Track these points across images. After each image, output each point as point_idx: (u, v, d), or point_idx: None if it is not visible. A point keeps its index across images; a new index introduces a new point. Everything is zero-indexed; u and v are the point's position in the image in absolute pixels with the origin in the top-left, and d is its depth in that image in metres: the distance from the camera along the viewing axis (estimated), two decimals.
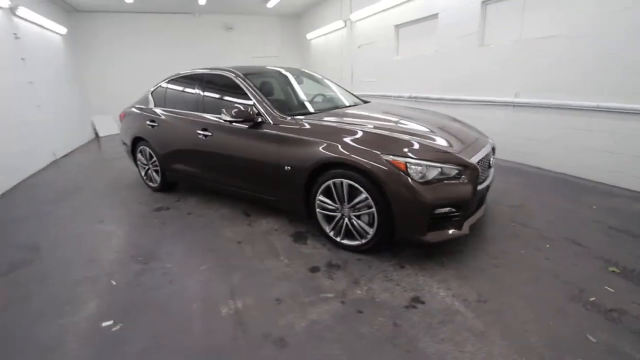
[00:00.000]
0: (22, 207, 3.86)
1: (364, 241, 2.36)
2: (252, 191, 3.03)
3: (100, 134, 9.12)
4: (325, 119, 2.70)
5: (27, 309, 2.03)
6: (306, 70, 4.05)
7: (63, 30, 7.60)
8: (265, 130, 2.73)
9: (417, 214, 2.09)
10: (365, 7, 7.17)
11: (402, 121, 2.72)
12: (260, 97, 2.87)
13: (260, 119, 2.76)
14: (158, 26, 9.60)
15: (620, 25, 3.27)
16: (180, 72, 3.74)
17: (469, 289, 1.99)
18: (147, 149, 3.90)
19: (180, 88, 3.67)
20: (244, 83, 3.01)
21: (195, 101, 3.39)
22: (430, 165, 2.09)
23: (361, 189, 2.23)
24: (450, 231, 2.16)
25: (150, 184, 4.12)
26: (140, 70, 9.38)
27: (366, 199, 2.22)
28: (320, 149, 2.37)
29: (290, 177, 2.59)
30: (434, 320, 1.74)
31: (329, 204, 2.46)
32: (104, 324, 1.84)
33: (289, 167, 2.58)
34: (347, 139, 2.32)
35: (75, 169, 5.68)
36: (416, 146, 2.19)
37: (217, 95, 3.29)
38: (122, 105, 4.90)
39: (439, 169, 2.11)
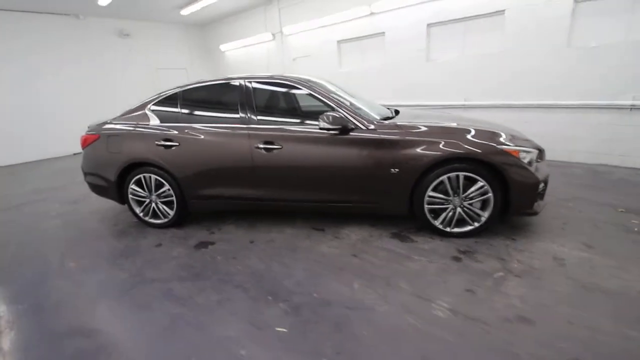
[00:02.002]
0: None
1: (477, 225, 2.67)
2: (336, 201, 2.89)
3: None
4: (414, 120, 2.85)
5: None
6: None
7: None
8: (358, 135, 2.70)
9: (530, 192, 2.55)
10: (299, 22, 7.45)
11: (464, 120, 3.13)
12: (344, 104, 2.81)
13: (350, 125, 2.71)
14: (24, 29, 7.35)
15: (540, 46, 4.64)
16: (200, 82, 3.17)
17: (575, 242, 2.57)
18: (154, 177, 3.11)
19: (211, 100, 3.12)
20: (319, 91, 2.87)
21: (242, 114, 2.95)
22: (529, 151, 2.58)
23: (479, 178, 2.53)
24: (542, 202, 2.71)
25: (154, 220, 3.29)
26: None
27: (482, 186, 2.54)
28: (441, 146, 2.56)
29: (398, 179, 2.66)
30: (592, 263, 2.22)
31: (439, 198, 2.65)
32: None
33: (397, 169, 2.64)
34: (457, 136, 2.58)
35: None
36: (511, 136, 2.65)
37: (279, 107, 2.99)
38: None
39: (534, 153, 2.62)
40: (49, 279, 2.56)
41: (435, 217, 2.73)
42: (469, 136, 2.58)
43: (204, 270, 2.53)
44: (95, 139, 3.29)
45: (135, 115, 3.24)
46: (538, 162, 2.68)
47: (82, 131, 3.51)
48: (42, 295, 2.36)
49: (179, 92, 3.17)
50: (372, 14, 6.22)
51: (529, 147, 2.61)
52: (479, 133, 2.62)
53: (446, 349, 1.66)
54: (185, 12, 8.13)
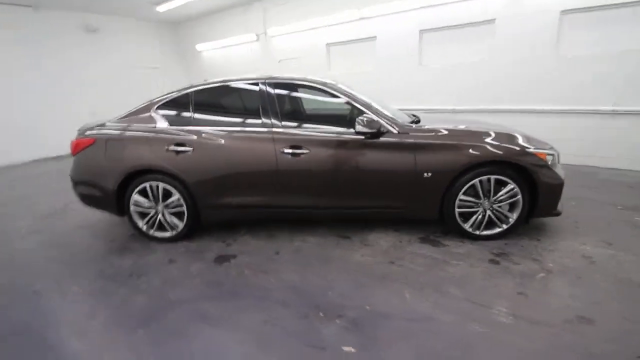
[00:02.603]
0: None
1: (505, 227, 2.71)
2: (365, 207, 2.81)
3: None
4: (441, 124, 2.84)
5: None
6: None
7: None
8: (391, 139, 2.64)
9: (556, 193, 2.64)
10: (285, 24, 7.31)
11: (482, 124, 3.17)
12: (374, 107, 2.73)
13: (382, 129, 2.64)
14: None
15: (528, 54, 4.92)
16: (213, 82, 2.95)
17: (594, 240, 2.69)
18: (162, 185, 2.83)
19: (227, 101, 2.90)
20: (348, 92, 2.77)
21: (264, 116, 2.77)
22: (553, 153, 2.68)
23: (509, 180, 2.58)
24: (561, 203, 2.83)
25: (160, 233, 2.99)
26: None
27: (513, 189, 2.59)
28: (471, 151, 2.56)
29: (430, 183, 2.64)
30: (618, 259, 2.33)
31: (469, 201, 2.67)
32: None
33: (429, 173, 2.62)
34: (489, 140, 2.61)
35: None
36: (533, 139, 2.74)
37: (303, 109, 2.85)
38: None
39: (556, 154, 2.72)
40: (49, 310, 2.20)
41: (465, 221, 2.74)
42: (500, 139, 2.62)
43: (235, 287, 2.32)
44: (90, 143, 2.92)
45: (139, 118, 2.93)
46: (559, 162, 2.80)
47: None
48: (49, 334, 2.01)
49: (191, 92, 2.92)
50: (362, 18, 6.25)
51: (550, 150, 2.71)
52: (507, 136, 2.68)
53: (525, 355, 1.63)
54: (161, 8, 7.64)
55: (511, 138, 2.66)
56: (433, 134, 2.67)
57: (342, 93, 2.78)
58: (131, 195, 2.89)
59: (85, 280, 2.52)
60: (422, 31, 5.76)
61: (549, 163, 2.61)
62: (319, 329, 1.87)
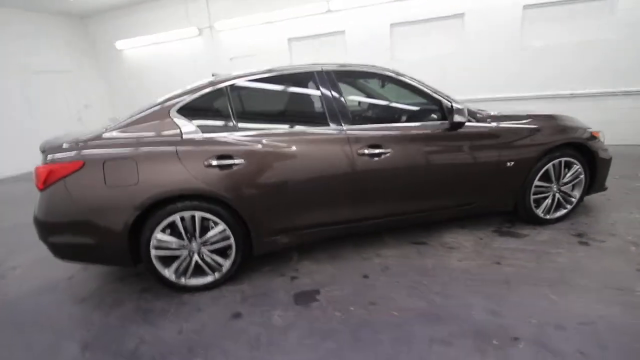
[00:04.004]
0: None
1: (570, 207, 2.75)
2: (447, 207, 2.54)
3: None
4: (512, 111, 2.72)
5: None
6: None
7: None
8: (474, 129, 2.43)
9: (607, 169, 2.78)
10: (236, 16, 6.55)
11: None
12: (449, 95, 2.46)
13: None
14: None
15: (495, 46, 5.30)
16: (254, 72, 2.29)
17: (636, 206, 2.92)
18: (199, 214, 2.07)
19: (278, 97, 2.28)
20: (417, 81, 2.43)
21: (329, 113, 2.24)
22: (601, 131, 2.81)
23: (575, 161, 2.61)
24: None
25: (197, 281, 2.20)
26: None
27: (578, 169, 2.63)
28: (550, 135, 2.51)
29: (512, 172, 2.51)
30: None
31: (542, 186, 2.63)
32: None
33: (512, 163, 2.48)
34: (562, 123, 2.60)
35: None
36: (578, 119, 2.83)
37: (373, 102, 2.41)
38: None
39: (603, 133, 2.86)
40: None
41: (537, 207, 2.68)
42: (567, 122, 2.64)
43: (354, 331, 1.78)
44: (75, 169, 1.96)
45: (154, 125, 2.08)
46: None
47: None
48: None
49: (225, 87, 2.20)
50: (329, 11, 5.94)
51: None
52: (570, 119, 2.70)
53: None
54: None
55: (572, 120, 2.70)
56: (512, 120, 2.53)
57: (415, 81, 2.45)
58: (151, 234, 2.04)
59: None
60: (393, 25, 5.74)
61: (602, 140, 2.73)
62: None
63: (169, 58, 7.57)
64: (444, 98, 2.41)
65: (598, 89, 4.88)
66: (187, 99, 2.16)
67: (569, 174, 2.64)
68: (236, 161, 2.07)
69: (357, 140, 2.23)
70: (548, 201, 2.68)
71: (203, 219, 2.09)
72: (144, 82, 7.78)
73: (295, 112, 2.42)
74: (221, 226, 2.12)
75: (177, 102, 2.15)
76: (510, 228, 2.76)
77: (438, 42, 5.66)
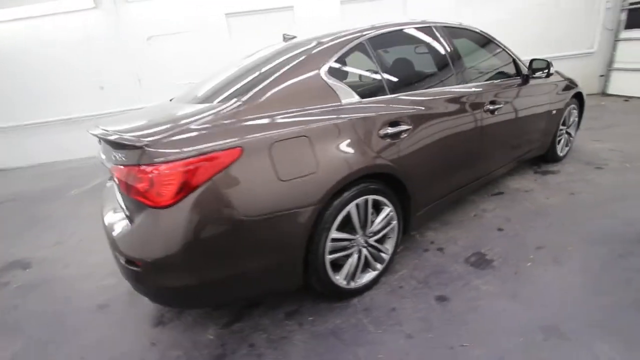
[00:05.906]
0: None
1: (571, 145, 3.46)
2: (518, 157, 2.80)
3: None
4: None
5: None
6: None
7: None
8: (538, 81, 2.73)
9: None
10: None
11: None
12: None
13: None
14: None
15: None
16: (383, 25, 1.98)
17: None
18: (372, 198, 1.71)
19: (412, 53, 2.05)
20: (492, 38, 2.54)
21: (457, 70, 2.15)
22: None
23: (575, 105, 3.30)
24: None
25: (365, 277, 1.82)
26: None
27: (576, 112, 3.34)
28: (569, 87, 3.06)
29: (554, 119, 2.98)
30: None
31: (561, 129, 3.22)
32: None
33: (555, 110, 2.93)
34: (567, 77, 3.17)
35: None
36: None
37: (473, 58, 2.41)
38: None
39: None
40: None
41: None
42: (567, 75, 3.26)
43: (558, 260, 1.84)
44: (232, 160, 1.28)
45: (302, 92, 1.54)
46: None
47: None
48: None
49: (365, 41, 1.80)
50: None
51: None
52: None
53: None
54: None
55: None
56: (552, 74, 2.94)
57: (493, 39, 2.57)
58: (327, 235, 1.56)
59: None
60: (227, 15, 5.64)
61: None
62: None
63: (51, 38, 5.49)
64: (514, 55, 2.64)
65: None
66: (331, 54, 1.69)
67: (573, 117, 3.32)
68: (405, 127, 1.77)
69: (483, 96, 2.23)
70: (563, 140, 3.31)
71: (375, 202, 1.72)
72: (13, 70, 5.45)
73: (437, 70, 2.22)
74: (389, 208, 1.80)
75: (324, 61, 1.65)
76: (542, 169, 3.28)
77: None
